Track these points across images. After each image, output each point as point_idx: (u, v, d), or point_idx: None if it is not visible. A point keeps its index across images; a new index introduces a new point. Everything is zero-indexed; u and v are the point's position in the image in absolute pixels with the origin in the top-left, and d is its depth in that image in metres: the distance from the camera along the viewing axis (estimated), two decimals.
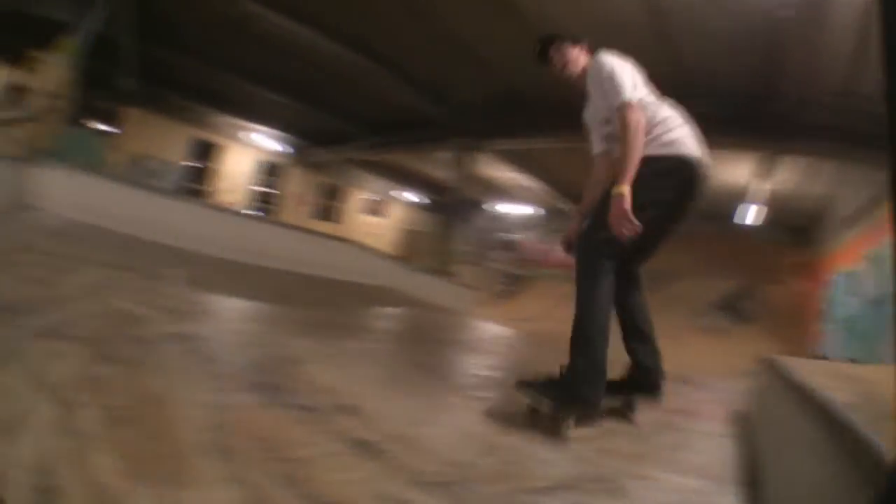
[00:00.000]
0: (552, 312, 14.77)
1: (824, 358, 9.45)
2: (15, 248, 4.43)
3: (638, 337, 2.82)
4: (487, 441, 2.23)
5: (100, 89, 11.70)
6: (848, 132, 7.83)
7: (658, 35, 7.68)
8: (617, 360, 2.58)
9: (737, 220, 13.54)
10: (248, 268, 7.41)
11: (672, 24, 7.43)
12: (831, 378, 1.97)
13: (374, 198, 22.72)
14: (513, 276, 21.47)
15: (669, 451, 2.52)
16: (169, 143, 16.22)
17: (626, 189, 2.42)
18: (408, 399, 2.67)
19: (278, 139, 17.59)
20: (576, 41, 2.94)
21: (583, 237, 2.71)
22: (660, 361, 2.82)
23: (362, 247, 10.91)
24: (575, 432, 2.41)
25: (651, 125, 2.63)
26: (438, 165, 16.13)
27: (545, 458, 2.14)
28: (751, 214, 12.66)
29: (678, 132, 2.67)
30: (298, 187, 19.27)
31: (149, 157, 15.61)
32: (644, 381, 2.80)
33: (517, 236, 22.81)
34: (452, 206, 15.05)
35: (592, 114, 2.97)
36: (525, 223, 22.63)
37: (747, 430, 2.93)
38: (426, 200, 23.66)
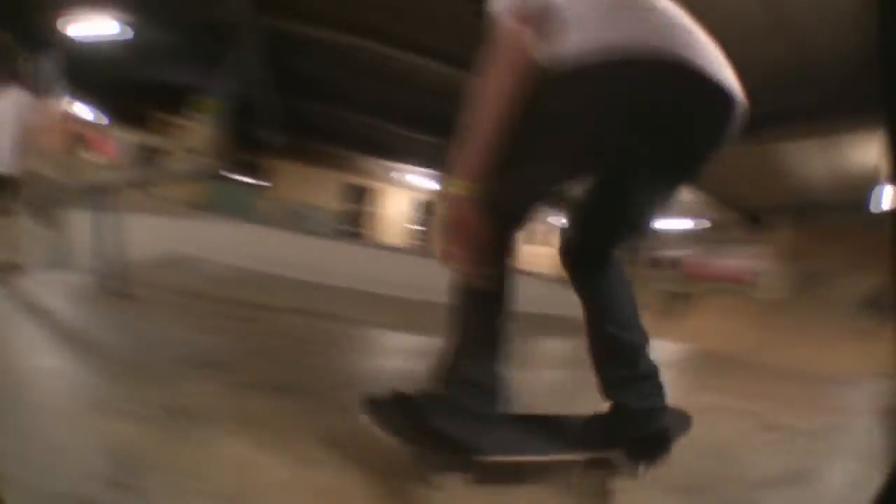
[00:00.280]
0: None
1: None
2: (187, 295, 4.54)
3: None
4: None
5: (247, 145, 12.57)
6: None
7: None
8: None
9: (873, 207, 12.51)
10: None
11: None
12: None
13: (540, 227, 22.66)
14: (678, 293, 20.72)
15: None
16: (321, 190, 16.71)
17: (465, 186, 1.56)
18: None
19: (430, 177, 17.85)
20: None
21: None
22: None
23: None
24: None
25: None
26: None
27: None
28: (886, 198, 11.71)
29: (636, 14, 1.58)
30: None
31: (302, 205, 16.26)
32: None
33: (680, 252, 22.08)
34: None
35: None
36: (686, 237, 21.89)
37: None
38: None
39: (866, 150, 10.04)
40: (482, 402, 1.69)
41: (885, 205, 11.39)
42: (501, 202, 1.58)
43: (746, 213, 16.00)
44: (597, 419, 1.83)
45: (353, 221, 16.67)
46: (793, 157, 11.46)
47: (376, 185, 17.10)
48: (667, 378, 1.76)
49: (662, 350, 6.48)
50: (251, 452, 1.71)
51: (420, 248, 17.83)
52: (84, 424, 1.76)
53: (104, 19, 9.82)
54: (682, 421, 1.98)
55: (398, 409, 1.69)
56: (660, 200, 1.78)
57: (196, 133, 8.83)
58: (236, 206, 10.08)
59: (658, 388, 1.81)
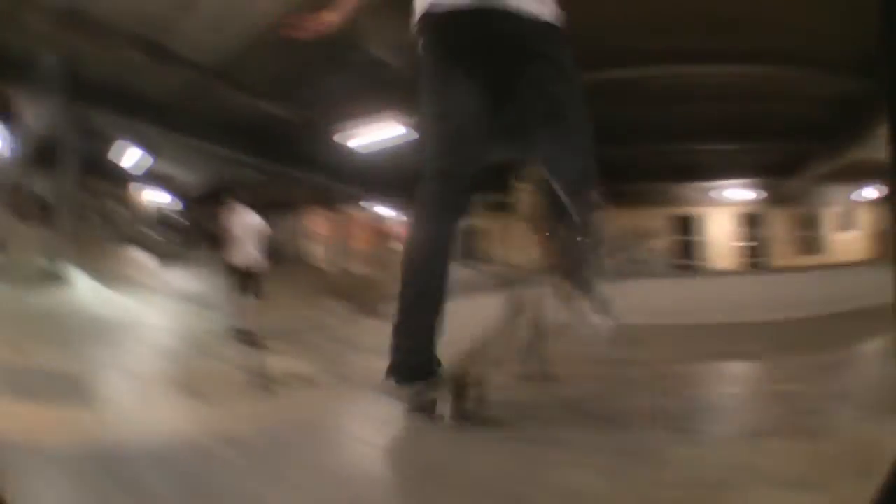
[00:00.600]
0: None
1: None
2: (599, 363, 4.44)
3: None
4: None
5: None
6: None
7: None
8: None
9: None
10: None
11: None
12: None
13: (842, 209, 20.14)
14: None
15: None
16: (646, 229, 16.65)
17: None
18: None
19: (747, 186, 16.93)
20: None
21: None
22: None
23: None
24: None
25: None
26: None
27: None
28: None
29: None
30: (779, 228, 18.04)
31: (631, 247, 16.31)
32: None
33: None
34: None
35: None
36: None
37: None
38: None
39: None
40: None
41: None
42: None
43: None
44: None
45: (684, 253, 16.22)
46: None
47: (697, 209, 16.48)
48: None
49: None
50: None
51: (752, 265, 16.48)
52: None
53: (384, 124, 10.85)
54: None
55: None
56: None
57: (531, 202, 9.32)
58: None
59: None
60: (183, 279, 12.69)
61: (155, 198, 22.24)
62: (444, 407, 2.49)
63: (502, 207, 16.23)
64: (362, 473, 2.19)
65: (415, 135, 10.60)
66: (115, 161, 15.95)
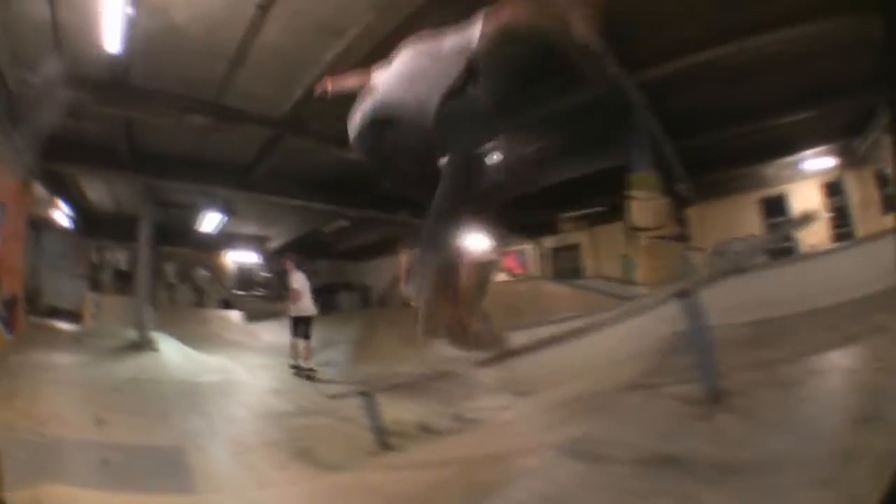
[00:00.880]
0: None
1: None
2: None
3: None
4: None
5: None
6: None
7: None
8: None
9: None
10: None
11: None
12: None
13: None
14: None
15: None
16: (737, 219, 15.96)
17: None
18: None
19: (824, 154, 15.58)
20: None
21: None
22: None
23: None
24: None
25: None
26: None
27: None
28: None
29: None
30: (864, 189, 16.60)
31: (728, 241, 15.59)
32: None
33: None
34: None
35: None
36: None
37: None
38: None
39: None
40: None
41: None
42: None
43: None
44: None
45: (784, 237, 15.18)
46: None
47: (784, 188, 15.87)
48: None
49: None
50: None
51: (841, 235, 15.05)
52: None
53: None
54: None
55: None
56: None
57: (646, 209, 8.71)
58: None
59: None
60: (270, 333, 12.41)
61: (239, 258, 22.83)
62: None
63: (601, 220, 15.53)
64: None
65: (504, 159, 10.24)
66: (196, 227, 16.29)
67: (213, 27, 7.26)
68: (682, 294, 3.20)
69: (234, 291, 20.15)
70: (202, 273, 20.23)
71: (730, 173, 14.72)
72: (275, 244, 21.19)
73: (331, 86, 3.91)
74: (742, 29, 8.36)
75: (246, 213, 15.84)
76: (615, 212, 16.13)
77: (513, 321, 12.04)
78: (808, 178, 15.57)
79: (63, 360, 8.98)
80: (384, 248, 21.26)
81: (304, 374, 9.97)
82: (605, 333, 4.23)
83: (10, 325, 9.13)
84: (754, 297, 3.16)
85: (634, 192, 8.78)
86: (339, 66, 7.72)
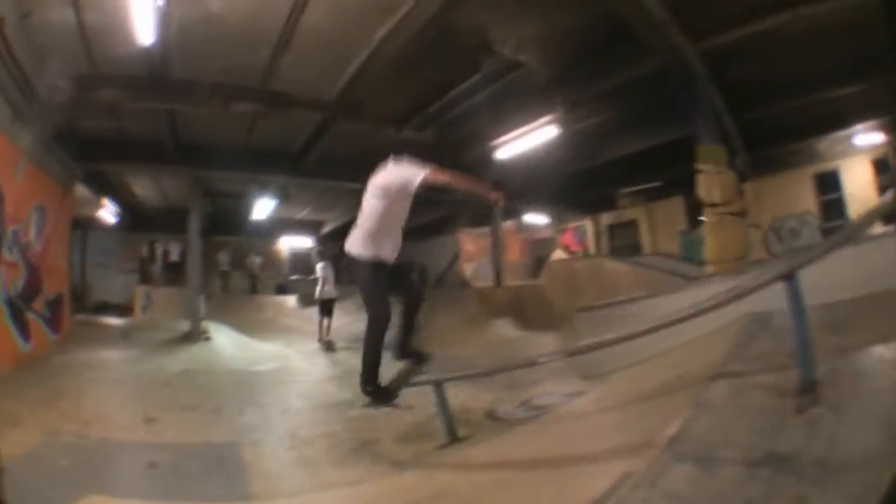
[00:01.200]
0: None
1: None
2: None
3: None
4: None
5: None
6: None
7: None
8: None
9: None
10: None
11: None
12: None
13: None
14: None
15: None
16: (792, 195, 15.44)
17: None
18: None
19: (877, 127, 14.79)
20: None
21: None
22: None
23: None
24: None
25: None
26: None
27: None
28: None
29: None
30: None
31: (784, 218, 15.16)
32: None
33: None
34: None
35: None
36: None
37: None
38: None
39: None
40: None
41: None
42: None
43: None
44: None
45: (835, 213, 14.86)
46: None
47: (839, 163, 15.22)
48: None
49: None
50: None
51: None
52: None
53: (529, 130, 9.96)
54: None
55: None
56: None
57: (715, 183, 8.29)
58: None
59: None
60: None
61: (292, 243, 23.04)
62: None
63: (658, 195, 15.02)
64: None
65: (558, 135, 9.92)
66: (248, 215, 16.43)
67: (254, 13, 7.04)
68: (789, 275, 2.83)
69: (289, 276, 20.28)
70: (256, 260, 20.47)
71: (784, 147, 14.37)
72: (329, 228, 21.29)
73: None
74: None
75: (299, 198, 15.82)
76: (672, 187, 15.82)
77: (575, 300, 11.79)
78: (859, 153, 14.85)
79: (111, 356, 8.96)
80: (441, 227, 21.22)
81: (325, 344, 11.41)
82: (671, 308, 3.92)
83: (54, 325, 9.19)
84: (819, 279, 2.84)
85: (702, 166, 8.39)
86: (389, 45, 7.61)
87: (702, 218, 9.08)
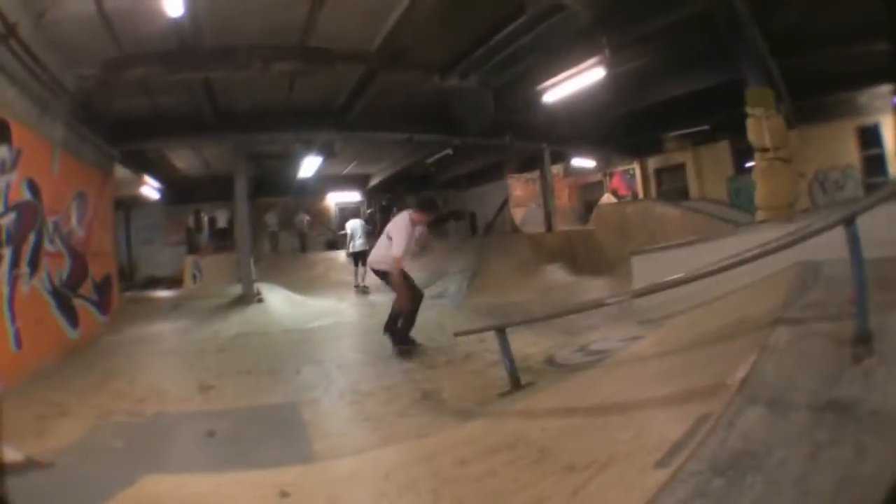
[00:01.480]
0: None
1: None
2: None
3: None
4: None
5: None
6: None
7: None
8: None
9: None
10: None
11: None
12: None
13: None
14: None
15: None
16: (836, 146, 15.10)
17: None
18: None
19: None
20: None
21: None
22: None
23: None
24: None
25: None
26: None
27: None
28: None
29: None
30: None
31: (827, 170, 14.80)
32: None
33: None
34: None
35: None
36: None
37: None
38: None
39: None
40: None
41: None
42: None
43: None
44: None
45: (878, 169, 14.74)
46: None
47: (881, 118, 14.84)
48: None
49: None
50: None
51: None
52: None
53: (577, 72, 9.71)
54: None
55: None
56: None
57: (765, 127, 8.00)
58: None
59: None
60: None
61: (340, 198, 23.30)
62: None
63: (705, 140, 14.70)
64: None
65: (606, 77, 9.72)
66: (294, 174, 16.80)
67: None
68: (850, 220, 2.75)
69: (338, 232, 20.61)
70: (304, 218, 20.73)
71: (827, 98, 14.26)
72: (376, 181, 21.42)
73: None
74: None
75: (344, 153, 15.87)
76: (719, 131, 15.44)
77: (626, 244, 11.63)
78: None
79: (162, 328, 9.11)
80: (488, 174, 21.23)
81: (361, 289, 13.19)
82: (720, 253, 3.87)
83: (103, 307, 9.42)
84: (862, 235, 2.77)
85: (751, 109, 8.10)
86: None
87: (750, 164, 8.88)
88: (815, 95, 13.77)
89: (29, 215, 6.89)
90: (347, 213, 21.74)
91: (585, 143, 16.75)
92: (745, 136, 8.37)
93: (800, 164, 13.54)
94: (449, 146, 14.74)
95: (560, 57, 9.65)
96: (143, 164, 14.34)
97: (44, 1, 6.36)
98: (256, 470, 3.57)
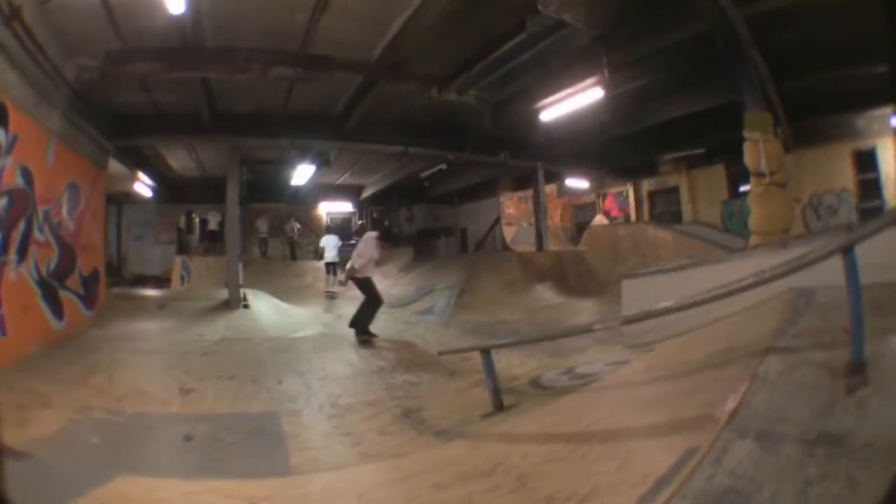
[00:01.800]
0: None
1: None
2: None
3: None
4: None
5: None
6: None
7: None
8: None
9: None
10: None
11: None
12: None
13: None
14: None
15: None
16: (831, 170, 14.93)
17: None
18: None
19: None
20: None
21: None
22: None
23: None
24: None
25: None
26: None
27: None
28: None
29: None
30: None
31: (822, 194, 14.78)
32: None
33: None
34: None
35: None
36: None
37: None
38: None
39: None
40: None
41: None
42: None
43: None
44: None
45: (871, 192, 14.16)
46: None
47: (878, 141, 14.27)
48: None
49: None
50: None
51: None
52: None
53: (576, 91, 9.72)
54: None
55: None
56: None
57: (762, 152, 8.01)
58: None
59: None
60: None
61: (332, 208, 23.19)
62: None
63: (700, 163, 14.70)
64: None
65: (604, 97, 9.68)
66: (287, 181, 16.73)
67: None
68: (847, 248, 2.72)
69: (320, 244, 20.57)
70: (295, 226, 20.71)
71: (823, 120, 13.82)
72: (369, 192, 21.40)
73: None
74: None
75: (339, 163, 15.91)
76: (714, 155, 15.47)
77: (617, 266, 11.58)
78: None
79: (147, 327, 8.99)
80: (482, 191, 21.27)
81: (329, 294, 14.66)
82: (712, 278, 3.84)
83: (90, 301, 9.29)
84: (865, 259, 2.73)
85: (749, 133, 8.12)
86: (433, 3, 7.38)
87: (745, 188, 8.87)
88: (811, 117, 13.52)
89: (20, 202, 6.81)
90: (333, 225, 21.86)
91: (580, 163, 16.77)
92: (740, 159, 8.39)
93: (795, 189, 13.58)
94: (444, 161, 14.69)
95: (559, 75, 9.68)
96: (137, 161, 14.26)
97: None
98: (231, 479, 3.50)
